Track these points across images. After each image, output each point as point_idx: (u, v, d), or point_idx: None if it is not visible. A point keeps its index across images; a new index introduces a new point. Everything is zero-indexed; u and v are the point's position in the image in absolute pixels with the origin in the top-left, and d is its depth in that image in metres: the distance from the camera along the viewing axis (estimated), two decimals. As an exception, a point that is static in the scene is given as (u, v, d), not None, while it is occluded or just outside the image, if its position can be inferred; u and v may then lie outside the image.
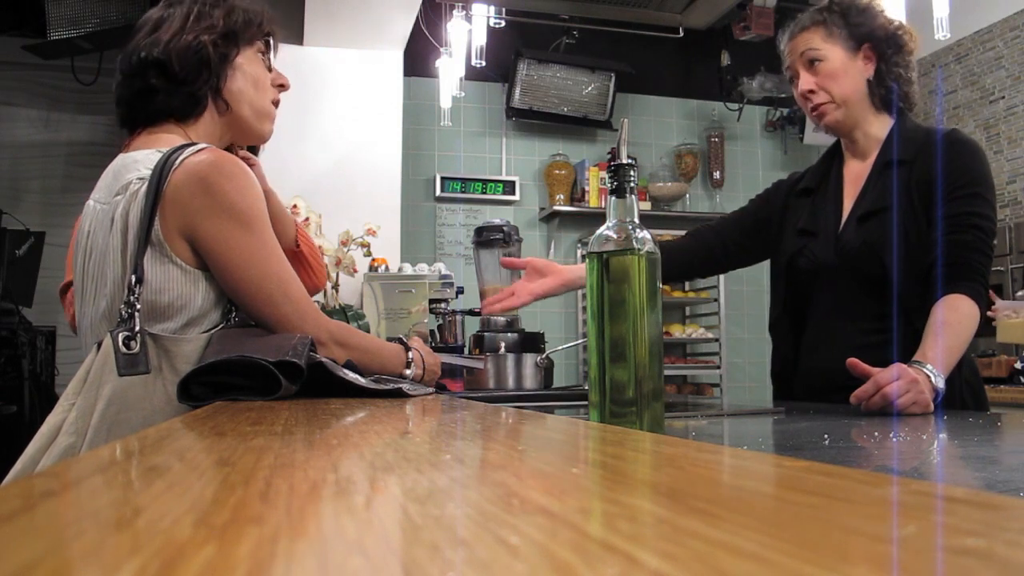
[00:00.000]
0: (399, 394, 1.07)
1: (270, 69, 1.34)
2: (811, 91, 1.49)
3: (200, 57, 1.22)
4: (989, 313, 2.90)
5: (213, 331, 1.16)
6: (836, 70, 1.47)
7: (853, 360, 1.19)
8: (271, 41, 1.35)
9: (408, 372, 1.27)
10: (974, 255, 1.35)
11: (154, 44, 1.22)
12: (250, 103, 1.30)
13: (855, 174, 1.53)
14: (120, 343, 1.08)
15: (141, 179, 1.14)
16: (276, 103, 1.36)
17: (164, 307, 1.13)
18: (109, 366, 1.08)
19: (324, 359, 1.07)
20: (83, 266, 1.20)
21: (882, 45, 1.47)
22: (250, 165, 1.63)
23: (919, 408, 1.16)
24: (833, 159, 1.60)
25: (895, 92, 1.48)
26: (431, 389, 1.23)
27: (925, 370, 1.20)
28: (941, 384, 1.20)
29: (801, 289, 1.56)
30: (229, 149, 1.44)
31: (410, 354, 1.29)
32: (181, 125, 1.25)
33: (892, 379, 1.14)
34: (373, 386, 1.07)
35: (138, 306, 1.10)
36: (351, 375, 1.07)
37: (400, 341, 1.32)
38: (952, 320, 1.29)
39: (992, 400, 2.62)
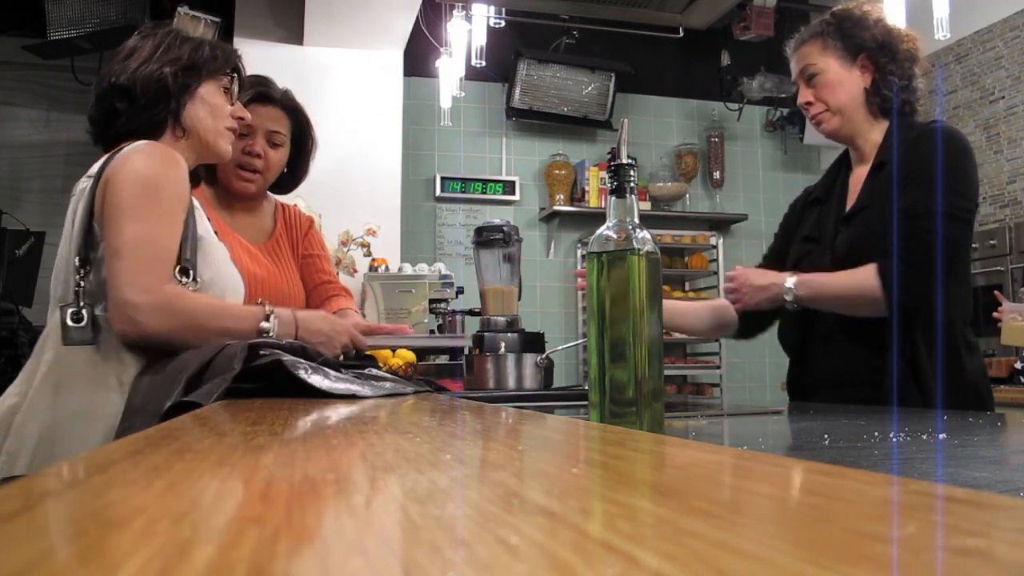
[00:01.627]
0: (352, 397, 1.04)
1: (232, 103, 1.43)
2: (808, 103, 1.56)
3: (161, 85, 1.33)
4: (995, 314, 2.90)
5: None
6: (831, 81, 1.52)
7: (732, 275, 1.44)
8: (236, 79, 1.45)
9: (266, 325, 1.27)
10: (909, 242, 1.37)
11: (123, 71, 1.34)
12: (206, 128, 1.39)
13: (858, 180, 1.56)
14: (68, 318, 1.21)
15: (89, 177, 1.28)
16: (234, 131, 1.45)
17: (98, 287, 1.24)
18: (54, 337, 1.22)
19: (285, 358, 1.06)
20: (53, 278, 1.31)
21: (876, 54, 1.50)
22: (308, 225, 1.87)
23: (734, 297, 1.47)
24: (840, 167, 1.64)
25: (891, 98, 1.50)
26: (409, 389, 1.20)
27: (785, 276, 1.40)
28: (790, 284, 1.42)
29: None
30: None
31: (267, 309, 1.29)
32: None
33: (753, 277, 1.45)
34: (328, 387, 1.04)
35: (83, 285, 1.23)
36: (314, 378, 1.04)
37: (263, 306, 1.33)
38: (846, 277, 1.41)
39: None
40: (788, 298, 1.32)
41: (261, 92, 1.76)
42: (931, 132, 1.43)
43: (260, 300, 1.34)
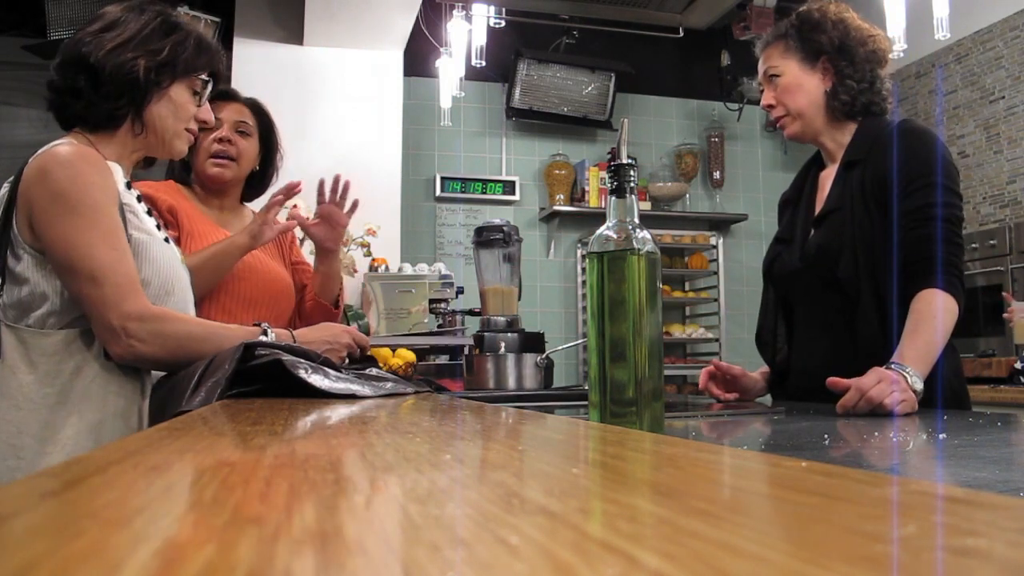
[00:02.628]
0: (352, 396, 1.05)
1: (200, 104, 1.38)
2: (771, 105, 1.56)
3: (132, 79, 1.26)
4: (1004, 315, 2.88)
5: (76, 327, 1.21)
6: (790, 84, 1.52)
7: (832, 380, 1.19)
8: (211, 82, 1.39)
9: (265, 340, 1.24)
10: (944, 246, 1.35)
11: (96, 47, 1.25)
12: (165, 127, 1.33)
13: (827, 179, 1.56)
14: None
15: (9, 182, 1.24)
16: (194, 133, 1.40)
17: (26, 299, 1.21)
18: None
19: (284, 357, 1.06)
20: None
21: (835, 57, 1.50)
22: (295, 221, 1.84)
23: (908, 407, 1.16)
24: (811, 167, 1.64)
25: (851, 102, 1.49)
26: (410, 389, 1.21)
27: (904, 373, 1.20)
28: (919, 386, 1.21)
29: (783, 294, 1.59)
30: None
31: (263, 327, 1.28)
32: (90, 135, 1.29)
33: (872, 384, 1.15)
34: (328, 386, 1.05)
35: None
36: (314, 377, 1.06)
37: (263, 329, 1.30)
38: (927, 315, 1.30)
39: (992, 400, 2.62)
40: (919, 388, 1.21)
41: (223, 91, 1.82)
42: (911, 132, 1.43)
43: (256, 322, 1.32)
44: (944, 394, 1.38)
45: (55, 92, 1.29)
